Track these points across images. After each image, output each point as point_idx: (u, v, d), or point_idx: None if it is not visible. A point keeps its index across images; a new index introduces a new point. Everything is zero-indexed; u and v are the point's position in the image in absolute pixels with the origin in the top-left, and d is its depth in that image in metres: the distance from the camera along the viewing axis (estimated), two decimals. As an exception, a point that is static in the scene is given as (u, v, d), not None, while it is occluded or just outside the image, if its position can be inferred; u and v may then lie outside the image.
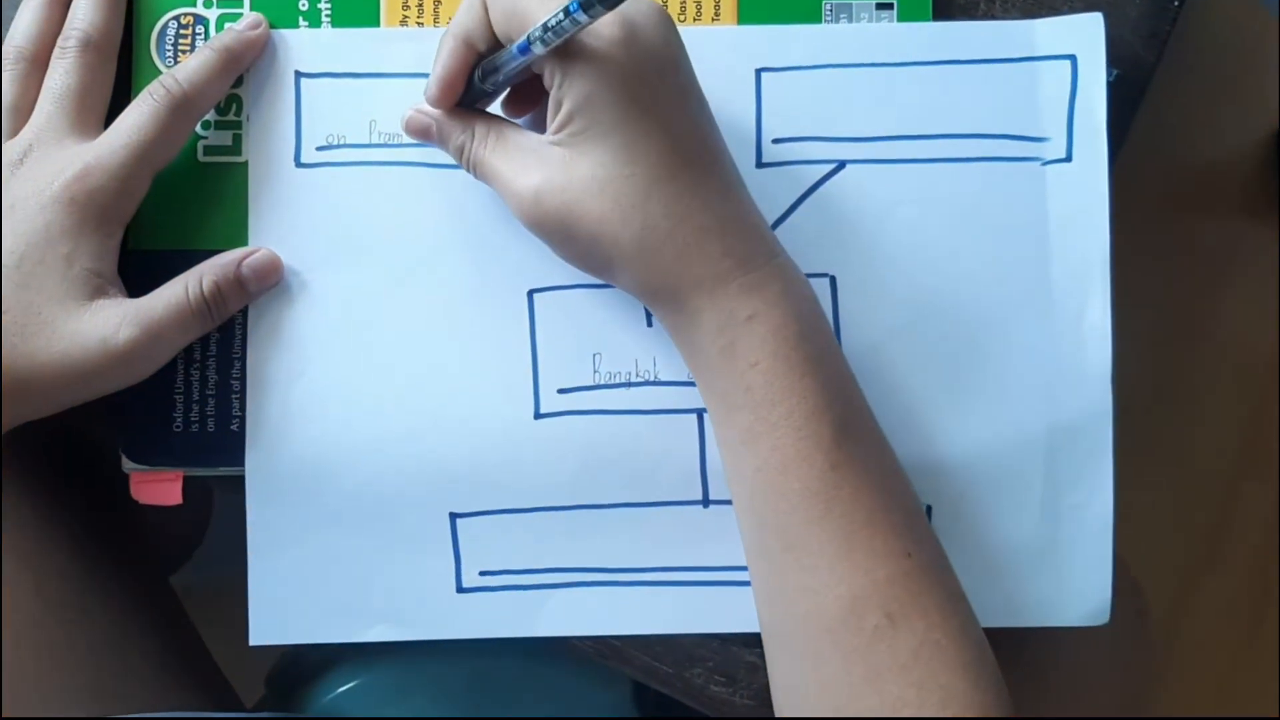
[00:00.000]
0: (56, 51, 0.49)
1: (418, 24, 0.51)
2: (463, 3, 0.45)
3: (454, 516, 0.50)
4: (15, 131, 0.48)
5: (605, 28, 0.42)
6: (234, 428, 0.50)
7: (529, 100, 0.49)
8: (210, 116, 0.51)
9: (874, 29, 0.51)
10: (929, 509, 0.50)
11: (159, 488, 0.51)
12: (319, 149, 0.50)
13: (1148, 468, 1.03)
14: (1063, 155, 0.51)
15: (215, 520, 0.78)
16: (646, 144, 0.43)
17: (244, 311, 0.50)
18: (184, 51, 0.51)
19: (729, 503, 0.50)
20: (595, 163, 0.43)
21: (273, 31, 0.51)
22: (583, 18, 0.39)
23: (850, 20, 0.51)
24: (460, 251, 0.50)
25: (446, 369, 0.50)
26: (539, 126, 0.46)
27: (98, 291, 0.47)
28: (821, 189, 0.50)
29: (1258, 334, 1.06)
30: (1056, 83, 0.51)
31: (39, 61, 0.49)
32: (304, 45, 0.51)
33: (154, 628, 0.60)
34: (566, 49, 0.42)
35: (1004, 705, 0.42)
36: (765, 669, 0.47)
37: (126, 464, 0.51)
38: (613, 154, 0.43)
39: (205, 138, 0.51)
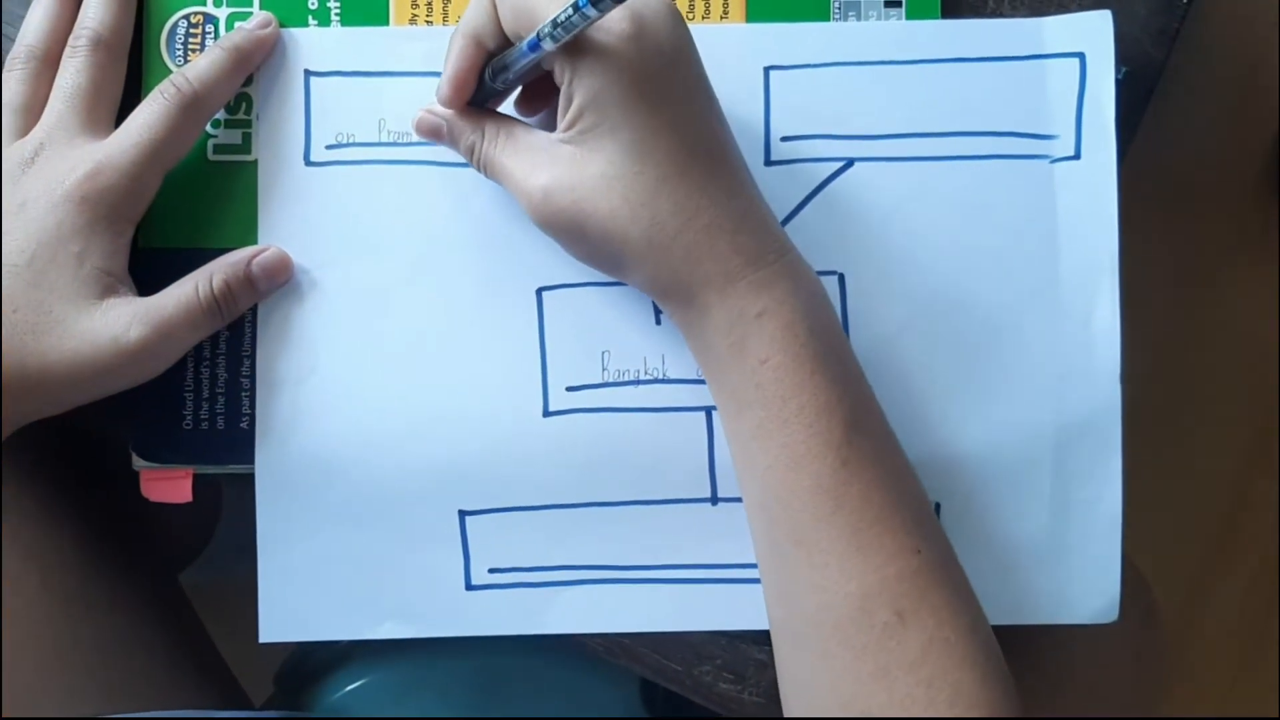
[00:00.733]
0: (67, 50, 0.49)
1: (427, 22, 0.51)
2: (471, 1, 0.45)
3: (463, 514, 0.50)
4: (27, 130, 0.48)
5: (614, 24, 0.42)
6: (244, 425, 0.50)
7: (541, 98, 0.49)
8: (220, 115, 0.51)
9: (882, 27, 0.51)
10: (938, 506, 0.50)
11: (169, 485, 0.51)
12: (328, 147, 0.50)
13: (1157, 466, 1.03)
14: (1071, 153, 0.50)
15: (224, 518, 0.78)
16: (655, 141, 0.43)
17: (254, 309, 0.50)
18: (194, 50, 0.51)
19: (738, 500, 0.50)
20: (605, 160, 0.43)
21: (282, 30, 0.51)
22: (591, 12, 0.39)
23: (859, 18, 0.51)
24: (469, 250, 0.50)
25: (455, 366, 0.50)
26: (551, 124, 0.46)
27: (108, 290, 0.47)
28: (830, 187, 0.50)
29: (1266, 331, 1.06)
30: (1065, 80, 0.50)
31: (50, 60, 0.49)
32: (313, 44, 0.51)
33: (162, 625, 0.60)
34: (576, 45, 0.42)
35: (1012, 703, 0.42)
36: (774, 666, 0.47)
37: (137, 462, 0.51)
38: (622, 151, 0.43)
39: (215, 136, 0.51)
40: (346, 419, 0.50)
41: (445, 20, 0.51)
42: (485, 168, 0.47)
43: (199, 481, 0.51)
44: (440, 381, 0.50)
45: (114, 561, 0.58)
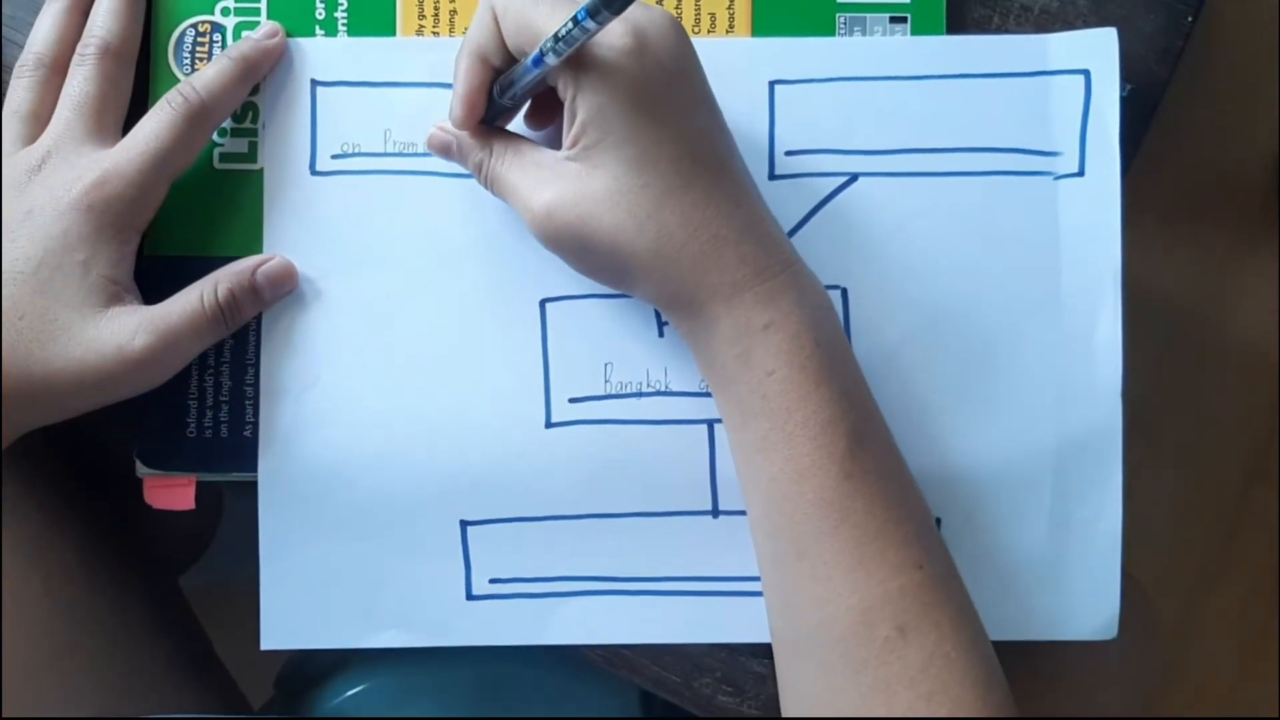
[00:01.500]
0: (75, 59, 0.49)
1: (434, 33, 0.51)
2: (474, 19, 0.46)
3: (464, 524, 0.50)
4: (34, 138, 0.49)
5: (616, 38, 0.42)
6: (247, 434, 0.51)
7: (550, 113, 0.49)
8: (226, 124, 0.51)
9: (887, 42, 0.51)
10: (938, 521, 0.50)
11: (172, 493, 0.51)
12: (334, 157, 0.51)
13: (1158, 476, 1.03)
14: (1075, 170, 0.51)
15: (224, 522, 0.78)
16: (658, 153, 0.43)
17: (258, 318, 0.51)
18: (201, 59, 0.51)
19: (739, 513, 0.50)
20: (609, 175, 0.43)
21: (289, 40, 0.51)
22: (591, 25, 0.39)
23: (864, 33, 0.51)
24: (473, 261, 0.50)
25: (458, 377, 0.50)
26: (559, 141, 0.46)
27: (114, 299, 0.47)
28: (834, 202, 0.50)
29: (1267, 344, 1.06)
30: (1069, 97, 0.51)
31: (58, 68, 0.49)
32: (320, 54, 0.51)
33: (162, 628, 0.60)
34: (579, 61, 0.42)
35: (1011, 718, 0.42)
36: (772, 679, 0.47)
37: (140, 469, 0.51)
38: (626, 165, 0.43)
39: (221, 145, 0.51)
40: (349, 428, 0.50)
41: (452, 31, 0.51)
42: (491, 184, 0.47)
43: (200, 485, 0.51)
44: (443, 392, 0.50)
45: (115, 565, 0.58)
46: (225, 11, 0.51)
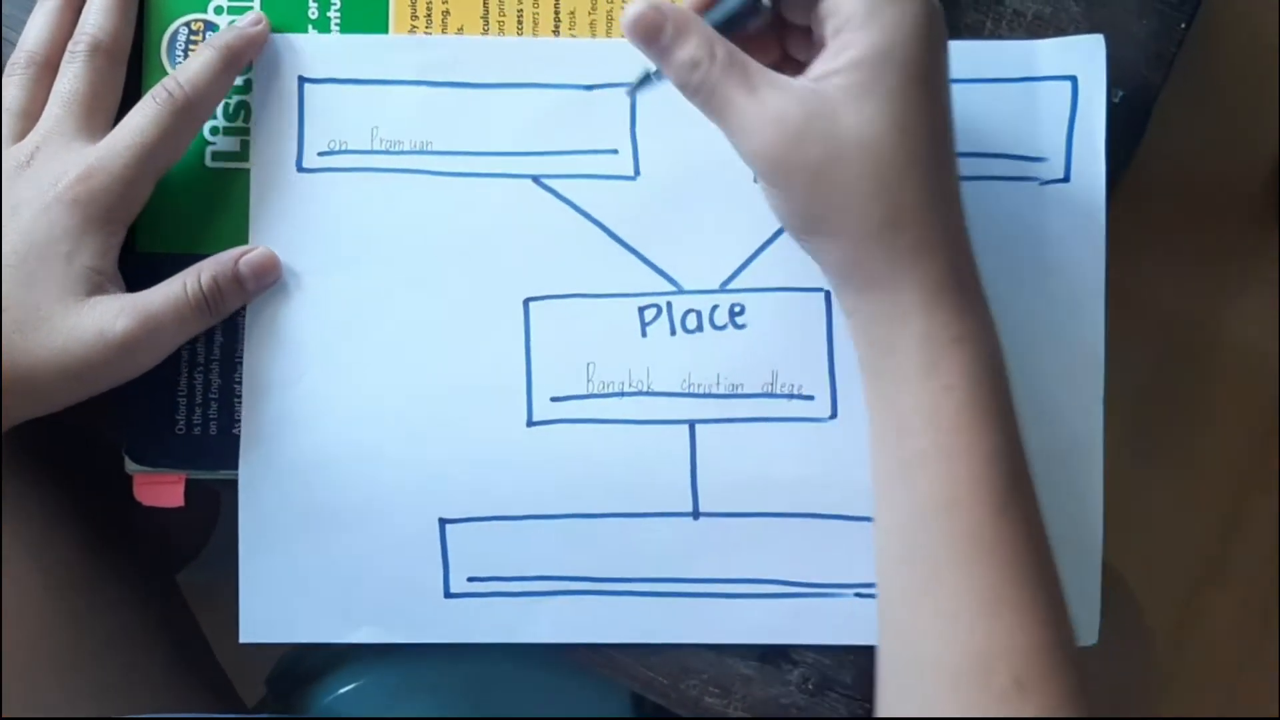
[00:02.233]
0: (66, 56, 0.49)
1: (426, 33, 0.52)
2: None
3: (443, 522, 0.50)
4: (24, 134, 0.49)
5: None
6: (236, 431, 0.51)
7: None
8: (219, 123, 0.51)
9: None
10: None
11: (162, 490, 0.51)
12: (321, 154, 0.51)
13: (1154, 480, 1.03)
14: (1061, 176, 0.50)
15: (221, 520, 0.79)
16: (919, 121, 0.41)
17: (243, 313, 0.51)
18: (194, 58, 0.51)
19: (719, 515, 0.50)
20: (867, 120, 0.40)
21: (279, 36, 0.51)
22: None
23: (855, 37, 0.51)
24: (458, 258, 0.51)
25: (441, 374, 0.50)
26: None
27: (97, 288, 0.47)
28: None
29: (1264, 347, 1.05)
30: (1056, 103, 0.51)
31: (50, 66, 0.50)
32: (310, 50, 0.51)
33: (159, 626, 0.60)
34: None
35: None
36: (759, 681, 0.48)
37: (130, 465, 0.51)
38: (889, 120, 0.40)
39: (213, 143, 0.51)
40: (331, 423, 0.50)
41: (445, 30, 0.52)
42: (704, 95, 0.42)
43: (195, 483, 0.52)
44: (425, 389, 0.50)
45: (112, 562, 0.58)
46: (218, 10, 0.52)
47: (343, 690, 0.64)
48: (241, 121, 0.51)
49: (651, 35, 0.42)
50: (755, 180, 0.46)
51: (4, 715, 0.51)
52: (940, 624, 0.41)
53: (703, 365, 0.50)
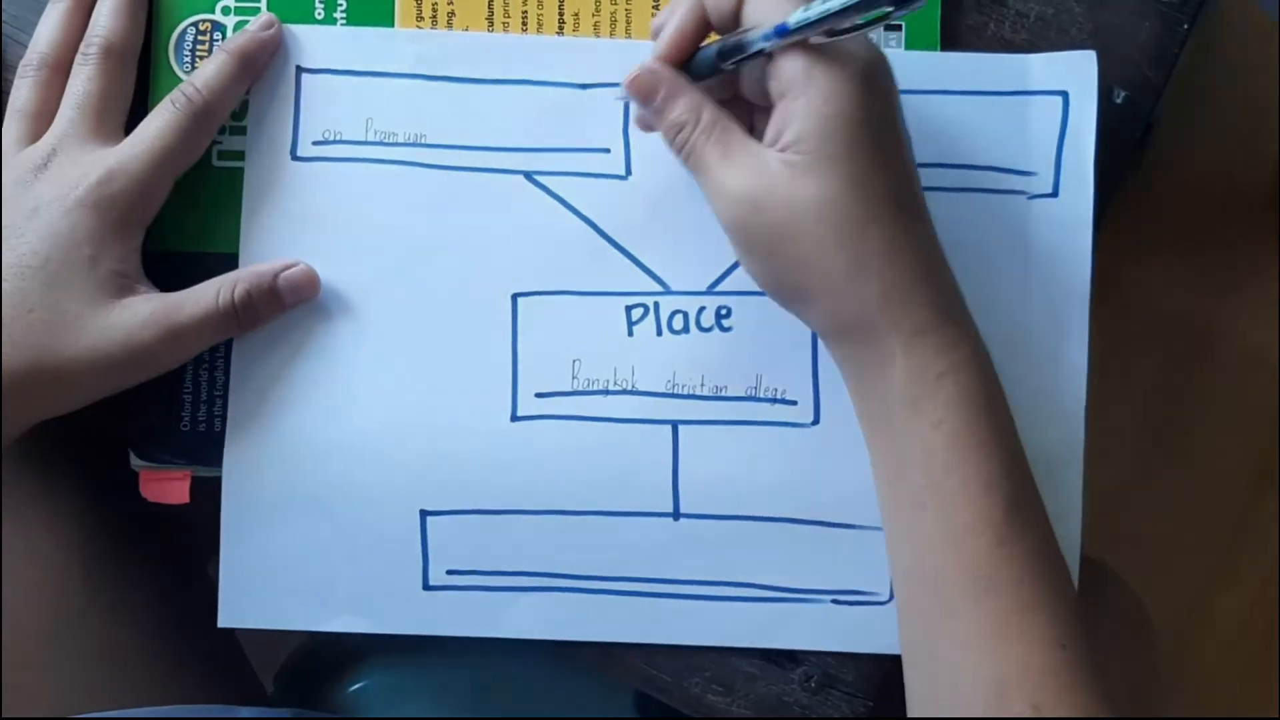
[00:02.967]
0: (78, 58, 0.50)
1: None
2: None
3: (424, 514, 0.51)
4: (38, 136, 0.49)
5: (861, 49, 0.42)
6: (241, 428, 0.51)
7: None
8: (226, 121, 0.52)
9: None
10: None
11: (167, 486, 0.52)
12: (315, 143, 0.51)
13: (1160, 482, 1.03)
14: (1049, 190, 0.51)
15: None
16: (873, 179, 0.42)
17: None
18: (202, 58, 0.52)
19: (700, 516, 0.50)
20: (821, 187, 0.42)
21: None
22: (878, 9, 0.39)
23: (859, 41, 0.52)
24: (447, 252, 0.51)
25: (427, 367, 0.51)
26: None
27: (125, 290, 0.48)
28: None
29: (1268, 350, 1.05)
30: (1047, 118, 0.51)
31: (61, 68, 0.50)
32: (307, 41, 0.51)
33: (186, 617, 0.60)
34: (812, 62, 0.42)
35: None
36: (762, 679, 0.48)
37: (135, 461, 0.52)
38: (841, 182, 0.42)
39: (220, 142, 0.52)
40: (316, 412, 0.51)
41: (450, 27, 0.52)
42: (687, 154, 0.45)
43: (210, 482, 0.52)
44: (410, 381, 0.51)
45: (136, 555, 0.59)
46: (225, 10, 0.52)
47: (350, 689, 0.64)
48: (247, 120, 0.52)
49: (647, 95, 0.45)
50: None
51: (4, 716, 0.52)
52: (955, 654, 0.42)
53: (688, 366, 0.51)
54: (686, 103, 0.45)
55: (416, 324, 0.51)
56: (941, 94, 0.51)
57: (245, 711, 0.56)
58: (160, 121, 0.49)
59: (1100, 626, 0.54)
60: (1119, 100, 0.51)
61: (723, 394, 0.51)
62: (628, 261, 0.51)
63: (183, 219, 0.51)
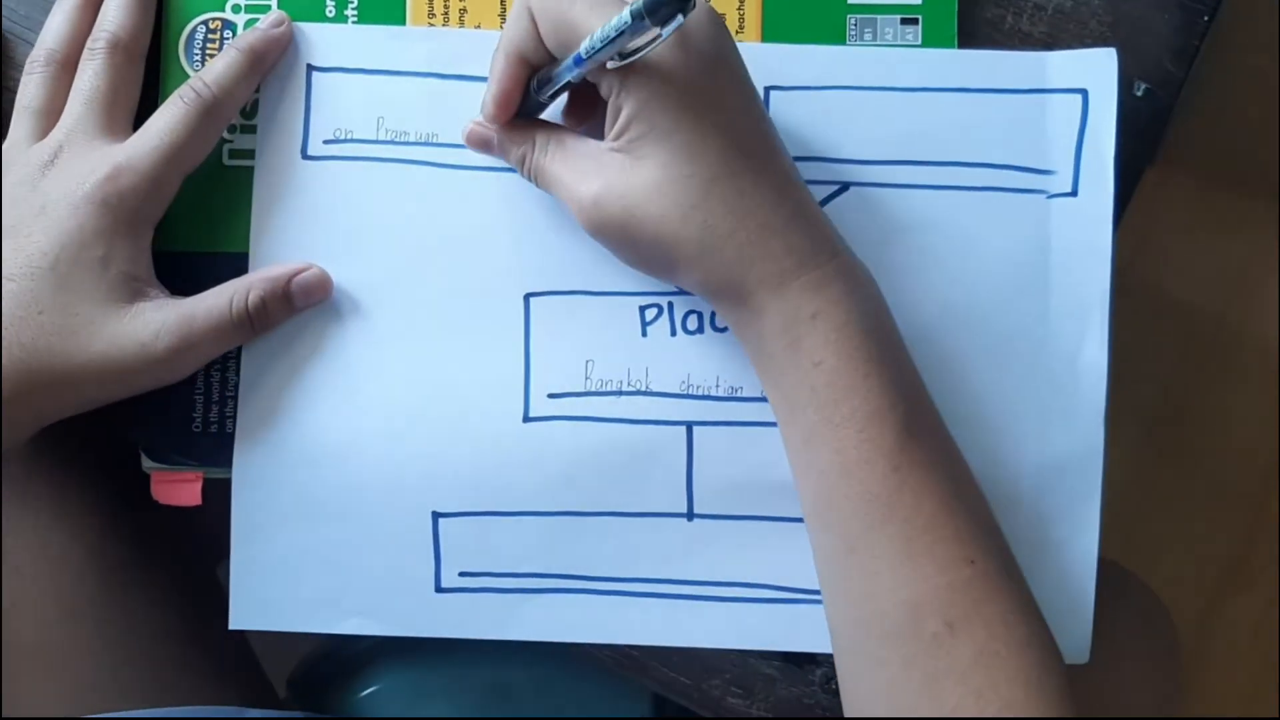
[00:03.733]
0: (85, 53, 0.50)
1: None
2: (509, 18, 0.46)
3: (436, 516, 0.50)
4: (45, 132, 0.49)
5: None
6: (253, 430, 0.51)
7: (588, 107, 0.49)
8: (236, 120, 0.51)
9: (886, 53, 0.51)
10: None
11: (179, 488, 0.51)
12: (326, 142, 0.51)
13: (1175, 481, 1.02)
14: (1068, 189, 0.50)
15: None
16: (704, 144, 0.43)
17: None
18: (212, 56, 0.51)
19: (713, 517, 0.50)
20: (654, 165, 0.44)
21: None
22: (644, 27, 0.40)
23: (875, 36, 0.51)
24: (459, 252, 0.51)
25: (439, 367, 0.50)
26: (598, 134, 0.46)
27: (137, 294, 0.48)
28: (824, 210, 0.50)
29: None
30: (1066, 116, 0.50)
31: (68, 64, 0.50)
32: (318, 39, 0.51)
33: (197, 621, 0.60)
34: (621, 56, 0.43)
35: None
36: (782, 681, 0.49)
37: (146, 463, 0.51)
38: (671, 156, 0.43)
39: (230, 141, 0.52)
40: (327, 413, 0.50)
41: (462, 24, 0.52)
42: (536, 177, 0.48)
43: (222, 483, 0.51)
44: (423, 381, 0.50)
45: (153, 554, 0.59)
46: (236, 8, 0.52)
47: (364, 693, 0.64)
48: (257, 120, 0.52)
49: (485, 145, 0.49)
50: None
51: (4, 715, 0.52)
52: (866, 583, 0.43)
53: (702, 367, 0.50)
54: (519, 137, 0.48)
55: (428, 324, 0.50)
56: (960, 92, 0.50)
57: (255, 713, 0.56)
58: (169, 116, 0.48)
59: (1122, 630, 0.54)
60: (1139, 93, 0.51)
61: (738, 395, 0.50)
62: (642, 261, 0.51)
63: (193, 219, 0.51)
